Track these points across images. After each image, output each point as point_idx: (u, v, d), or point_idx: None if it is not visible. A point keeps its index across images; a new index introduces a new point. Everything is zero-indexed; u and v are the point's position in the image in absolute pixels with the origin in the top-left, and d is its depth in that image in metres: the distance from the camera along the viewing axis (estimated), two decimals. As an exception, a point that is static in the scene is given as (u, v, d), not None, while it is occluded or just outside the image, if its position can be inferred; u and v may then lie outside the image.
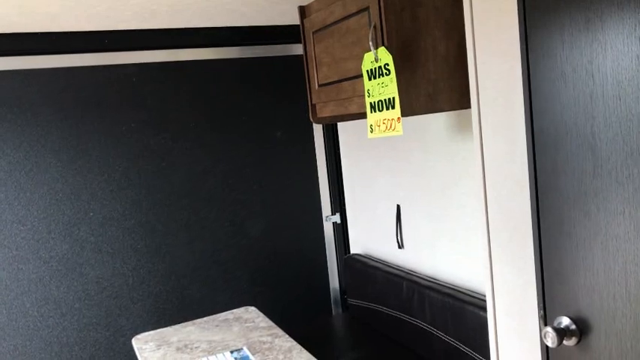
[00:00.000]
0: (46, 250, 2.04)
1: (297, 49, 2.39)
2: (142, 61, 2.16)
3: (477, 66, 1.14)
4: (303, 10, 1.99)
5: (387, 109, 1.55)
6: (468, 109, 1.65)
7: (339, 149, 2.52)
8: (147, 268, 2.19)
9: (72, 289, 2.08)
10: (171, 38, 2.17)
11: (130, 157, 2.15)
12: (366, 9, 1.59)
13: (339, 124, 2.49)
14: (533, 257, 1.04)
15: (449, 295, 1.77)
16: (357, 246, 2.50)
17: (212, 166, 2.29)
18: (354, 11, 1.65)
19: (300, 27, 2.00)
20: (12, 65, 1.96)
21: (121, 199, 2.15)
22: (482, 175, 1.16)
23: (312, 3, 1.93)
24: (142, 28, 2.08)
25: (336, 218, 2.52)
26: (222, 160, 2.31)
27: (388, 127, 1.56)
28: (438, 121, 1.84)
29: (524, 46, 1.00)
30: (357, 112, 1.77)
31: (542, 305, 1.03)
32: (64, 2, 1.60)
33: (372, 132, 1.64)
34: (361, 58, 1.62)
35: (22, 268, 2.01)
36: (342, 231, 2.53)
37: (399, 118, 1.51)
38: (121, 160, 2.14)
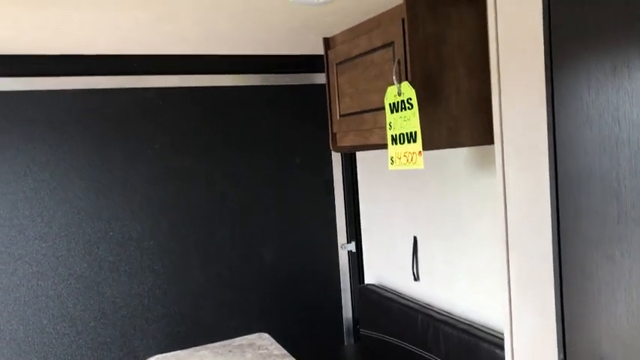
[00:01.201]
0: (65, 267, 2.07)
1: (319, 79, 2.43)
2: (168, 85, 2.21)
3: (502, 105, 1.16)
4: (327, 42, 2.02)
5: (409, 142, 1.56)
6: (489, 145, 1.66)
7: (356, 177, 2.53)
8: (163, 289, 2.21)
9: (89, 307, 2.10)
10: (198, 64, 2.22)
11: (151, 178, 2.18)
12: (391, 44, 1.62)
13: (357, 153, 2.51)
14: (553, 299, 1.04)
15: (464, 330, 1.76)
16: (371, 276, 2.50)
17: (231, 190, 2.32)
18: (378, 45, 1.68)
19: (324, 58, 2.04)
20: (44, 86, 2.02)
21: (140, 220, 2.17)
22: (503, 214, 1.17)
23: (336, 35, 1.97)
24: (170, 53, 2.13)
25: (352, 247, 2.52)
26: (241, 185, 2.33)
27: (409, 160, 1.57)
28: (457, 155, 1.85)
29: (550, 89, 1.01)
30: (378, 143, 1.79)
31: (562, 349, 1.02)
32: (99, 27, 1.65)
33: (392, 164, 1.66)
34: (384, 91, 1.64)
35: (41, 285, 2.03)
36: (357, 260, 2.53)
37: (420, 151, 1.53)
38: (143, 181, 2.17)
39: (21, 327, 2.01)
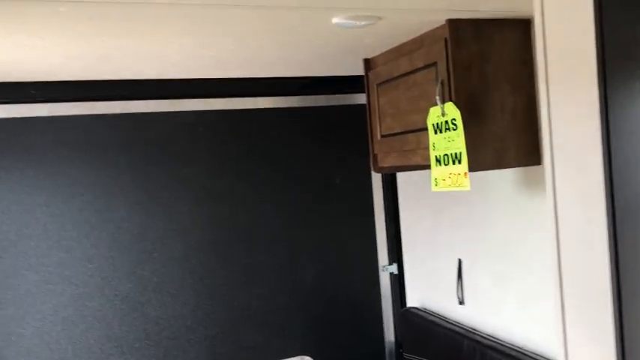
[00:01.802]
0: (110, 288, 2.10)
1: (359, 99, 2.42)
2: (209, 108, 2.24)
3: (552, 125, 1.13)
4: (368, 63, 2.03)
5: (454, 163, 1.54)
6: (537, 166, 1.62)
7: (397, 198, 2.51)
8: (205, 311, 2.22)
9: (133, 328, 2.12)
10: (237, 87, 2.25)
11: (193, 200, 2.21)
12: (434, 64, 1.61)
13: (398, 173, 2.49)
14: (612, 326, 0.99)
15: (513, 356, 1.70)
16: (414, 298, 2.45)
17: (271, 211, 2.33)
18: (420, 66, 1.67)
19: (365, 79, 2.04)
20: (89, 110, 2.08)
21: (183, 241, 2.20)
22: (555, 238, 1.13)
23: (377, 56, 1.97)
24: (210, 77, 2.17)
25: (393, 269, 2.48)
26: (281, 206, 2.34)
27: (454, 182, 1.55)
28: (503, 176, 1.81)
29: (604, 109, 0.98)
30: (421, 163, 1.77)
31: (622, 379, 0.97)
32: (143, 54, 1.69)
33: (436, 185, 1.63)
34: (426, 112, 1.63)
35: (87, 305, 2.07)
36: (398, 282, 2.49)
37: (465, 173, 1.50)
38: (185, 202, 2.20)
39: (69, 346, 2.05)
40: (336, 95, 2.43)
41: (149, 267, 2.15)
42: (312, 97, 2.40)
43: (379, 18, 1.46)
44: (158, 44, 1.58)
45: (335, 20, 1.44)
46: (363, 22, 1.46)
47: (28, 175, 2.02)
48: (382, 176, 2.49)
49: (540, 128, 1.57)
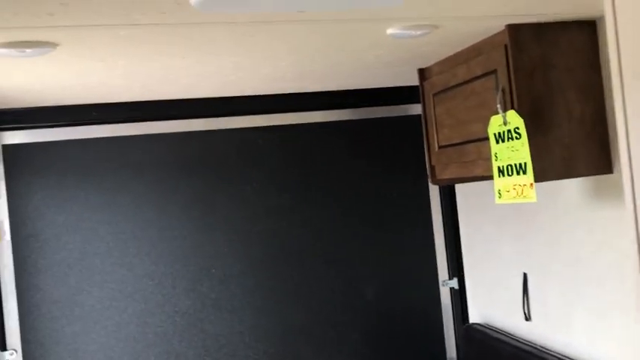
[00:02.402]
0: (170, 305, 2.12)
1: (413, 110, 2.38)
2: (265, 124, 2.25)
3: (629, 131, 1.05)
4: (422, 73, 1.98)
5: (518, 173, 1.47)
6: (608, 175, 1.53)
7: (456, 210, 2.44)
8: (263, 327, 2.21)
9: (192, 345, 2.14)
10: (293, 102, 2.25)
11: (251, 216, 2.22)
12: (493, 72, 1.55)
13: (457, 184, 2.42)
14: None
15: (587, 377, 1.60)
16: (476, 314, 2.37)
17: (328, 226, 2.30)
18: (479, 74, 1.62)
19: (420, 89, 1.99)
20: (150, 130, 2.13)
21: (241, 257, 2.20)
22: (637, 252, 1.05)
23: (432, 66, 1.93)
24: (266, 93, 2.18)
25: (454, 283, 2.41)
26: (337, 220, 2.31)
27: (519, 193, 1.48)
28: (571, 186, 1.72)
29: (688, 113, 0.91)
30: (482, 175, 1.70)
31: None
32: (198, 73, 1.71)
33: (499, 197, 1.57)
34: (487, 121, 1.57)
35: (148, 322, 2.10)
36: (460, 297, 2.41)
37: (531, 184, 1.43)
38: (243, 219, 2.21)
39: (131, 363, 2.08)
40: (390, 106, 2.40)
41: (207, 284, 2.16)
42: (366, 109, 2.37)
43: (435, 27, 1.43)
44: (213, 63, 1.60)
45: (390, 31, 1.41)
46: (418, 32, 1.43)
47: (92, 194, 2.08)
48: (440, 188, 2.42)
49: (614, 135, 1.49)
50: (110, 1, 1.03)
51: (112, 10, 1.07)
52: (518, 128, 1.45)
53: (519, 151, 1.46)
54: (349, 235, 2.32)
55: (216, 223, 2.18)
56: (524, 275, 1.97)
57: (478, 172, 1.71)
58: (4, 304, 2.01)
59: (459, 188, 2.41)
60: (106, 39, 1.27)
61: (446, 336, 2.41)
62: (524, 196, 1.45)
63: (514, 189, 1.50)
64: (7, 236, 2.02)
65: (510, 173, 1.50)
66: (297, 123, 2.29)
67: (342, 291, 2.30)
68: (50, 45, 1.25)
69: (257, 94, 2.18)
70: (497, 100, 1.50)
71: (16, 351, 2.00)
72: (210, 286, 2.17)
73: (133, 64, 1.52)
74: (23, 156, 2.04)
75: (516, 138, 1.47)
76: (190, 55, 1.48)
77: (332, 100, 2.30)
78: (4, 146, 2.02)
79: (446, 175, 1.91)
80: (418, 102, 2.05)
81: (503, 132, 1.51)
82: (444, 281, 2.41)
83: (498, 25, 1.48)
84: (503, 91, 1.50)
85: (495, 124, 1.54)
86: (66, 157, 2.07)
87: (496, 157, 1.55)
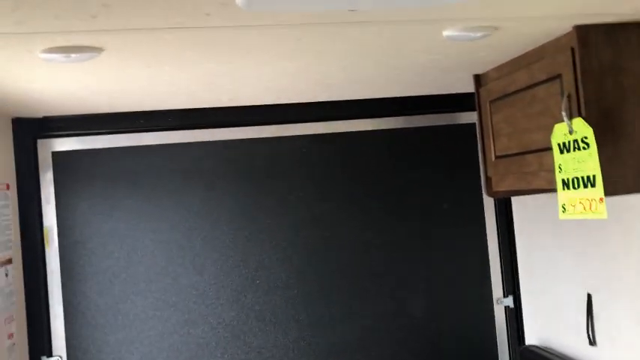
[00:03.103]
0: (214, 316, 2.08)
1: (466, 118, 2.27)
2: (311, 133, 2.20)
3: None
4: (478, 79, 1.88)
5: (585, 187, 1.35)
6: (688, 189, 1.39)
7: (512, 223, 2.31)
8: (307, 341, 2.14)
9: (235, 357, 2.09)
10: (340, 110, 2.19)
11: (296, 226, 2.16)
12: (558, 77, 1.44)
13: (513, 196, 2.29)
14: None
15: (663, 412, 1.45)
16: (533, 335, 2.22)
17: (375, 238, 2.22)
18: (542, 79, 1.51)
19: (475, 96, 1.89)
20: (197, 137, 2.11)
21: (285, 268, 2.15)
22: None
23: (489, 71, 1.82)
24: (315, 100, 2.12)
25: (509, 302, 2.27)
26: (385, 233, 2.23)
27: (586, 208, 1.36)
28: (642, 200, 1.58)
29: None
30: (544, 187, 1.59)
31: None
32: (247, 80, 1.67)
33: (564, 212, 1.45)
34: (549, 130, 1.46)
35: (191, 333, 2.07)
36: (515, 317, 2.27)
37: (601, 198, 1.31)
38: (288, 228, 2.16)
39: (173, 374, 2.05)
40: (442, 114, 2.30)
41: (251, 295, 2.11)
42: (417, 117, 2.28)
43: (496, 28, 1.33)
44: (259, 69, 1.55)
45: (446, 33, 1.32)
46: (478, 34, 1.34)
47: (137, 202, 2.07)
48: (495, 200, 2.30)
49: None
50: (153, 3, 0.99)
51: (155, 12, 1.04)
52: (586, 138, 1.33)
53: (587, 162, 1.34)
54: (397, 248, 2.23)
55: (261, 232, 2.13)
56: (589, 296, 1.83)
57: (539, 184, 1.59)
58: (51, 310, 2.02)
59: (516, 200, 2.28)
60: (150, 43, 1.23)
61: (500, 358, 2.27)
62: (594, 212, 1.33)
63: (580, 203, 1.38)
64: (55, 243, 2.03)
65: (576, 186, 1.38)
66: (344, 131, 2.22)
67: (390, 307, 2.20)
68: (95, 50, 1.23)
69: (304, 101, 2.12)
70: (563, 107, 1.39)
71: (61, 357, 2.01)
72: (255, 298, 2.12)
73: (178, 69, 1.49)
74: (72, 163, 2.05)
75: (583, 148, 1.35)
76: (236, 60, 1.43)
77: (381, 107, 2.22)
78: (54, 153, 2.04)
79: (503, 187, 1.80)
80: (472, 109, 1.95)
81: (569, 142, 1.39)
82: (498, 299, 2.28)
83: (564, 26, 1.37)
84: (569, 97, 1.39)
85: (560, 133, 1.42)
86: (114, 165, 2.07)
87: (560, 168, 1.44)
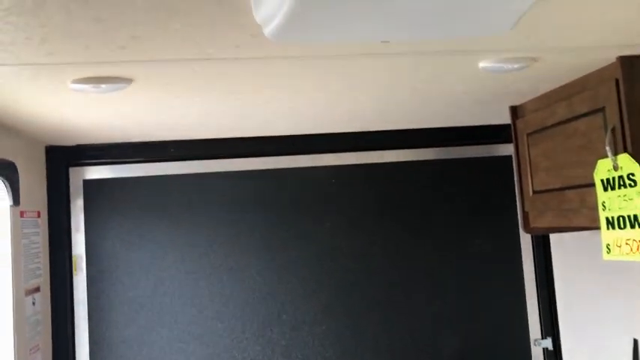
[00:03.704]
0: (239, 350, 2.03)
1: (502, 150, 2.20)
2: (340, 163, 2.16)
3: None
4: (515, 111, 1.82)
5: (632, 227, 1.27)
6: None
7: (551, 261, 2.20)
8: (335, 379, 2.06)
9: (260, 393, 2.03)
10: (370, 140, 2.15)
11: (323, 259, 2.11)
12: (601, 109, 1.37)
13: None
14: None
15: None
16: (573, 379, 2.10)
17: (406, 274, 2.14)
18: (583, 112, 1.44)
19: (512, 128, 1.83)
20: (226, 167, 2.09)
21: (312, 303, 2.09)
22: None
23: (526, 103, 1.76)
24: (343, 131, 2.09)
25: (548, 343, 2.16)
26: (416, 269, 2.15)
27: (634, 250, 1.28)
28: (695, 241, 1.48)
29: None
30: (586, 225, 1.50)
31: None
32: (277, 109, 1.65)
33: (608, 252, 1.36)
34: (592, 165, 1.39)
35: (216, 366, 2.02)
36: (554, 359, 2.15)
37: (650, 239, 1.23)
38: (315, 262, 2.10)
39: (197, 410, 2.00)
40: (477, 146, 2.23)
41: (278, 329, 2.06)
42: (451, 148, 2.22)
43: (534, 60, 1.28)
44: (290, 99, 1.53)
45: (482, 64, 1.28)
46: (515, 65, 1.29)
47: (165, 232, 2.05)
48: (532, 236, 2.20)
49: None
50: (182, 34, 0.98)
51: (184, 43, 1.02)
52: (633, 175, 1.26)
53: (634, 200, 1.26)
54: (430, 284, 2.15)
55: (288, 265, 2.09)
56: (635, 342, 1.71)
57: (581, 222, 1.51)
58: (77, 340, 2.00)
59: (555, 237, 2.19)
60: (180, 74, 1.22)
61: (538, 403, 2.15)
62: (642, 254, 1.24)
63: (627, 244, 1.30)
64: (84, 272, 2.02)
65: (622, 226, 1.30)
66: (376, 162, 2.17)
67: (421, 347, 2.11)
68: (125, 80, 1.22)
69: (335, 131, 2.09)
70: (607, 142, 1.32)
71: (85, 388, 1.98)
72: (281, 332, 2.06)
73: (208, 100, 1.48)
74: (103, 191, 2.06)
75: (630, 185, 1.27)
76: (266, 91, 1.41)
77: (414, 138, 2.17)
78: (85, 181, 2.05)
79: (541, 223, 1.72)
80: (509, 141, 1.88)
81: (613, 178, 1.32)
82: (536, 340, 2.16)
83: (608, 57, 1.31)
84: (613, 131, 1.32)
85: (603, 169, 1.35)
86: (143, 194, 2.06)
87: (604, 206, 1.36)
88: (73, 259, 2.02)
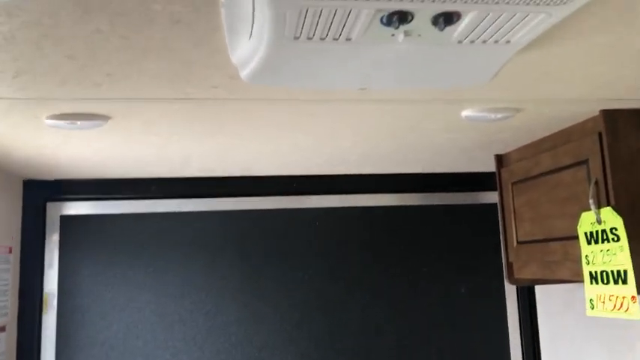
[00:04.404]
0: (212, 397, 1.95)
1: (488, 197, 2.18)
2: (324, 206, 2.12)
3: None
4: (500, 159, 1.82)
5: (616, 283, 1.24)
6: None
7: (536, 313, 2.16)
8: None
9: None
10: (354, 183, 2.12)
11: (303, 305, 2.05)
12: (585, 162, 1.36)
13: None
14: None
15: None
16: None
17: (387, 323, 2.09)
18: (567, 163, 1.43)
19: (497, 176, 1.82)
20: (205, 207, 2.05)
21: (290, 351, 2.02)
22: None
23: (511, 152, 1.76)
24: (327, 173, 2.07)
25: (532, 395, 2.09)
26: (398, 316, 2.09)
27: (617, 307, 1.24)
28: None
29: None
30: (569, 278, 1.48)
31: None
32: (259, 151, 1.63)
33: (592, 308, 1.33)
34: (576, 217, 1.37)
35: (188, 415, 1.93)
36: (539, 415, 2.09)
37: (633, 297, 1.20)
38: (295, 308, 2.04)
39: None
40: (463, 193, 2.21)
41: (254, 376, 1.98)
42: (435, 194, 2.19)
43: (517, 110, 1.27)
44: (271, 141, 1.51)
45: (465, 113, 1.27)
46: (498, 115, 1.28)
47: (141, 272, 1.99)
48: (518, 287, 2.16)
49: None
50: (158, 74, 0.96)
51: (161, 83, 1.00)
52: (615, 229, 1.24)
53: (617, 256, 1.24)
54: (412, 332, 2.09)
55: (267, 310, 2.02)
56: (621, 400, 1.66)
57: (564, 275, 1.48)
58: (42, 381, 1.91)
59: (540, 288, 2.15)
60: (158, 113, 1.20)
61: None
62: (626, 311, 1.21)
63: (610, 300, 1.27)
64: (54, 309, 1.95)
65: (606, 281, 1.27)
66: (359, 206, 2.14)
67: (402, 397, 2.04)
68: (102, 117, 1.20)
69: (318, 173, 2.07)
70: (590, 195, 1.31)
71: None
72: (257, 380, 1.99)
73: (188, 139, 1.45)
74: (80, 227, 2.00)
75: (613, 240, 1.25)
76: (246, 132, 1.39)
77: (398, 182, 2.15)
78: (63, 217, 2.00)
79: (525, 274, 1.69)
80: (494, 189, 1.87)
81: (597, 231, 1.30)
82: (520, 391, 2.10)
83: (591, 110, 1.31)
84: (596, 184, 1.31)
85: (587, 222, 1.33)
86: (121, 231, 2.01)
87: (587, 260, 1.33)
88: (44, 296, 1.95)
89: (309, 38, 0.65)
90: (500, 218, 1.79)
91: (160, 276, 1.99)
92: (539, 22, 0.62)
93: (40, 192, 1.98)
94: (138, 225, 2.02)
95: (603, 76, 1.07)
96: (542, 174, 1.55)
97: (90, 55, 0.86)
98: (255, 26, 0.66)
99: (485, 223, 2.16)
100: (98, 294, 1.96)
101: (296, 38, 0.65)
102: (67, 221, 2.00)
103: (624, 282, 1.21)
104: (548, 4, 0.57)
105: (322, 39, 0.65)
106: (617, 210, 1.24)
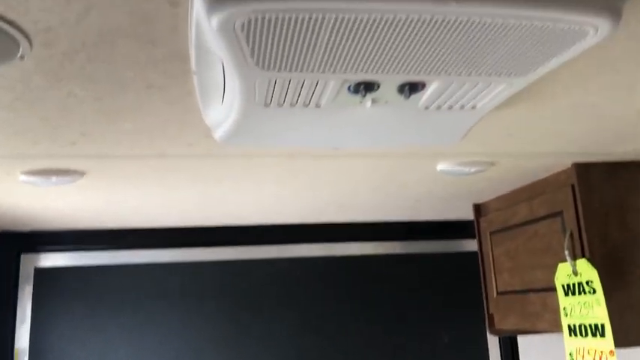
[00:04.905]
0: None
1: (469, 245, 2.18)
2: (303, 255, 2.11)
3: None
4: (478, 209, 1.83)
5: (594, 336, 1.24)
6: None
7: (518, 356, 2.14)
8: None
9: None
10: (334, 232, 2.12)
11: (284, 354, 2.01)
12: (559, 213, 1.38)
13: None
14: None
15: None
16: None
17: (371, 372, 2.05)
18: (543, 215, 1.44)
19: (475, 225, 1.83)
20: (185, 257, 2.02)
21: (271, 407, 1.97)
22: None
23: (489, 201, 1.77)
24: (308, 222, 2.06)
25: None
26: (381, 366, 2.06)
27: (597, 360, 1.24)
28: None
29: None
30: (548, 330, 1.47)
31: None
32: (238, 201, 1.62)
33: (572, 362, 1.32)
34: (553, 268, 1.37)
35: None
36: None
37: (611, 351, 1.19)
38: (275, 358, 2.00)
39: None
40: (444, 241, 2.21)
41: None
42: (415, 243, 2.19)
43: (492, 164, 1.29)
44: (249, 193, 1.51)
45: (440, 167, 1.28)
46: (472, 169, 1.30)
47: (116, 326, 1.94)
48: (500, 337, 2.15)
49: None
50: (133, 132, 0.96)
51: (136, 141, 1.01)
52: (591, 281, 1.24)
53: (594, 309, 1.24)
54: (395, 384, 2.05)
55: (247, 362, 1.98)
56: None
57: (543, 326, 1.47)
58: None
59: (523, 337, 2.13)
60: (134, 168, 1.20)
61: None
62: (604, 365, 1.20)
63: (589, 354, 1.26)
64: (25, 367, 1.88)
65: (584, 334, 1.27)
66: (341, 255, 2.13)
67: None
68: (77, 173, 1.19)
69: (299, 222, 2.06)
70: (565, 246, 1.31)
71: None
72: None
73: (167, 191, 1.45)
74: (54, 280, 1.96)
75: (590, 292, 1.25)
76: (224, 184, 1.39)
77: (379, 231, 2.15)
78: (37, 269, 1.96)
79: (506, 325, 1.67)
80: (474, 237, 1.87)
81: (574, 284, 1.30)
82: None
83: (564, 162, 1.33)
84: (571, 236, 1.32)
85: (563, 274, 1.33)
86: (97, 284, 1.97)
87: (565, 312, 1.33)
88: (15, 352, 1.88)
89: (280, 105, 0.66)
90: (480, 268, 1.79)
91: (136, 329, 1.95)
92: (501, 90, 0.64)
93: (14, 243, 1.95)
94: (114, 277, 1.98)
95: (571, 133, 1.09)
96: (519, 224, 1.56)
97: (64, 116, 0.87)
98: (226, 93, 0.67)
99: (466, 271, 2.15)
100: (72, 352, 1.90)
101: (266, 105, 0.66)
102: (41, 273, 1.96)
103: (602, 335, 1.21)
104: (509, 75, 0.59)
105: (292, 105, 0.66)
106: (592, 262, 1.25)
